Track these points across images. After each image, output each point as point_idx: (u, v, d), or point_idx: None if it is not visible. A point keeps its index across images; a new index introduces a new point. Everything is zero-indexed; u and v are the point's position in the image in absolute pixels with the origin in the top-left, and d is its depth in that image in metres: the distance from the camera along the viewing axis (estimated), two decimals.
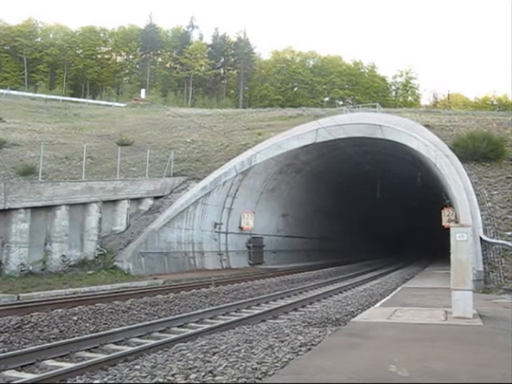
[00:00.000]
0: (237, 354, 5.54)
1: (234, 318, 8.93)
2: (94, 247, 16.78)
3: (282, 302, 11.45)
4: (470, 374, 4.22)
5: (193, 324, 8.64)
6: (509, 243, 13.83)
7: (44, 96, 49.62)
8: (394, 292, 11.90)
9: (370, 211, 36.93)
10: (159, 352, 6.08)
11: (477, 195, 15.68)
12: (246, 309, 10.51)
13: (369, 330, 6.39)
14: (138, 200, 19.17)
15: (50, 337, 7.17)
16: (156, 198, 19.90)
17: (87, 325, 8.09)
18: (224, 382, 4.55)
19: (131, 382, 4.65)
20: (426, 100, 76.18)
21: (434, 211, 21.74)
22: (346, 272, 21.93)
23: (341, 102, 64.78)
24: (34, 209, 15.24)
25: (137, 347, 6.47)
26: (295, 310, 10.32)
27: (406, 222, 42.23)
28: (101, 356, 6.04)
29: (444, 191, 19.11)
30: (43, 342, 6.77)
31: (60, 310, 8.86)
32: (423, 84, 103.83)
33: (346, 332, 6.41)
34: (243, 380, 4.61)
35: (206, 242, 20.53)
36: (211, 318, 9.23)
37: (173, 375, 4.75)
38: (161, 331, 7.91)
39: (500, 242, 14.01)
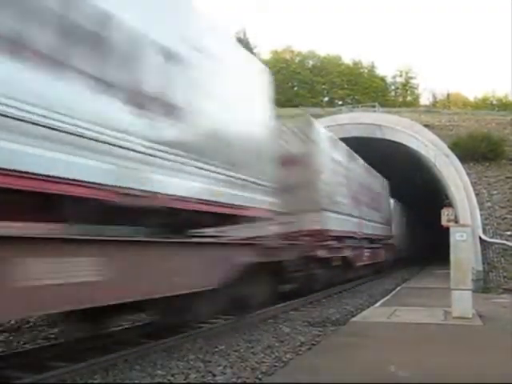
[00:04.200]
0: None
1: None
2: None
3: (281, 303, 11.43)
4: (470, 374, 4.22)
5: None
6: (508, 243, 13.85)
7: None
8: (394, 292, 11.91)
9: None
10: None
11: (476, 195, 15.69)
12: None
13: (369, 329, 6.40)
14: None
15: None
16: None
17: None
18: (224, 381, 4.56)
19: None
20: (425, 99, 76.10)
21: (433, 211, 21.74)
22: None
23: (340, 102, 64.71)
24: None
25: None
26: (295, 310, 10.32)
27: (405, 222, 42.14)
28: None
29: (443, 191, 19.11)
30: None
31: None
32: (422, 83, 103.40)
33: (346, 332, 6.42)
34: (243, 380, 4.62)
35: None
36: None
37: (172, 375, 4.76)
38: None
39: (499, 241, 14.03)
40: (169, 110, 5.29)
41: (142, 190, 4.80)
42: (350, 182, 14.36)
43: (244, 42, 74.25)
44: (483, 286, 12.58)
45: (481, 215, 14.86)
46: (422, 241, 34.60)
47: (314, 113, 32.96)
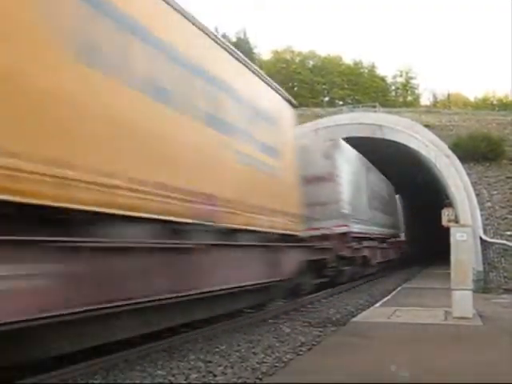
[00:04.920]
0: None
1: None
2: None
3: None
4: (470, 374, 4.23)
5: None
6: (509, 243, 13.85)
7: None
8: (394, 292, 11.91)
9: None
10: None
11: (477, 195, 15.68)
12: None
13: (369, 329, 6.40)
14: None
15: None
16: None
17: None
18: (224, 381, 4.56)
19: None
20: (425, 100, 76.06)
21: (434, 211, 21.76)
22: None
23: (341, 102, 64.69)
24: None
25: None
26: (295, 310, 10.32)
27: (406, 222, 42.12)
28: None
29: (444, 191, 19.12)
30: None
31: None
32: (423, 84, 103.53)
33: (346, 332, 6.43)
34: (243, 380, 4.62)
35: None
36: None
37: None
38: None
39: (500, 241, 14.03)
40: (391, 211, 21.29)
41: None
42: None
43: (244, 42, 74.26)
44: (483, 286, 12.58)
45: (481, 215, 14.86)
46: (422, 241, 34.61)
47: (314, 113, 32.95)
